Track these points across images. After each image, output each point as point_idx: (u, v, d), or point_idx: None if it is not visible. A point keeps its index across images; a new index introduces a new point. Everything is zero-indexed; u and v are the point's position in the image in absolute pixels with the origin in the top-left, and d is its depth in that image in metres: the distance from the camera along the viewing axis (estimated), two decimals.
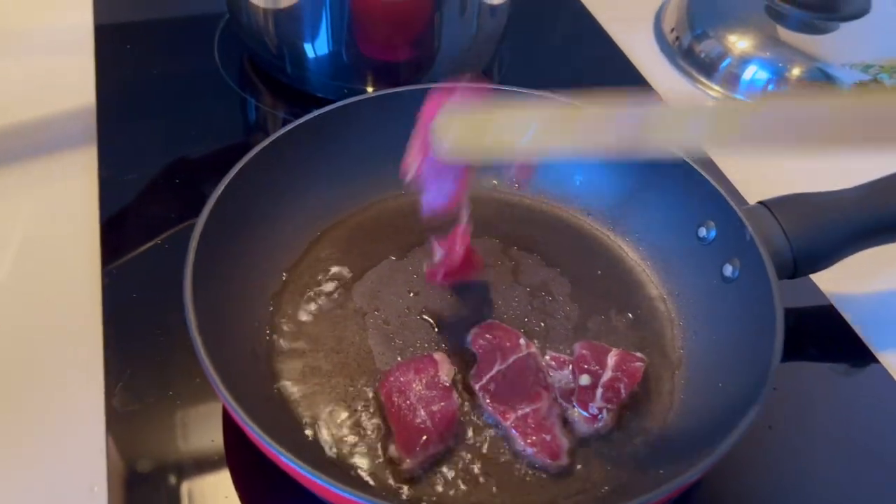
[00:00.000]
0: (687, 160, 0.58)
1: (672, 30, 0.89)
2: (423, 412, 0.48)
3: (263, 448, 0.42)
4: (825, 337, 0.61)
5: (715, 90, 0.84)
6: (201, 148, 0.71)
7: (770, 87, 0.81)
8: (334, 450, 0.49)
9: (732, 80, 0.83)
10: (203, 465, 0.50)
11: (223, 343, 0.49)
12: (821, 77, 0.81)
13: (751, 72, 0.82)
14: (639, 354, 0.54)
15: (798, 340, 0.60)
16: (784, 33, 0.83)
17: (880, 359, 0.59)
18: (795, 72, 0.81)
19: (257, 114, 0.78)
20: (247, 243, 0.56)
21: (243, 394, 0.45)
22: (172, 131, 0.73)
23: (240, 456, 0.51)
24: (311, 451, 0.48)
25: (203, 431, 0.52)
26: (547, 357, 0.54)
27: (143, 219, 0.65)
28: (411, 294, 0.58)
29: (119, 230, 0.64)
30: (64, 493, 0.49)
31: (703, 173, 0.57)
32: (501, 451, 0.50)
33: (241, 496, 0.49)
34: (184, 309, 0.47)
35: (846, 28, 0.83)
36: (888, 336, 0.61)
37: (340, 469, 0.48)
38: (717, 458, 0.42)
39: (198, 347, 0.45)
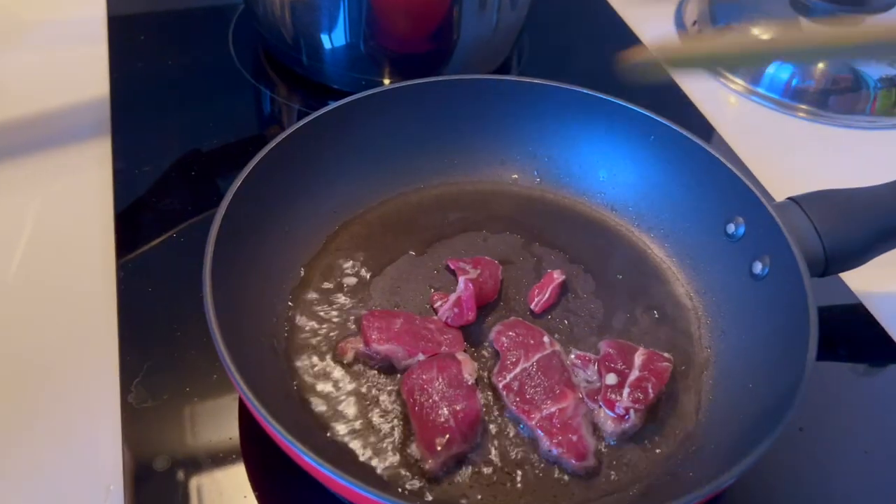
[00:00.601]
0: (715, 154, 0.57)
1: (694, 23, 0.88)
2: (445, 411, 0.47)
3: (286, 447, 0.41)
4: (855, 336, 0.60)
5: (738, 84, 0.82)
6: (216, 140, 0.70)
7: (794, 81, 0.80)
8: (354, 448, 0.48)
9: (755, 74, 0.82)
10: (220, 462, 0.49)
11: (242, 339, 0.48)
12: (846, 71, 0.79)
13: (774, 65, 0.81)
14: (666, 355, 0.52)
15: (827, 340, 0.58)
16: (809, 26, 0.82)
17: None
18: (820, 66, 0.79)
19: (272, 106, 0.77)
20: (265, 238, 0.55)
21: (263, 391, 0.44)
22: (187, 123, 0.72)
23: (257, 453, 0.49)
24: (331, 450, 0.47)
25: (220, 428, 0.51)
26: (572, 356, 0.53)
27: (157, 211, 0.64)
28: (432, 290, 0.57)
29: (133, 223, 0.63)
30: (80, 493, 0.48)
31: (733, 168, 0.56)
32: (526, 451, 0.49)
33: (259, 495, 0.48)
34: (203, 305, 0.46)
35: (872, 21, 0.81)
36: None
37: (361, 468, 0.47)
38: (751, 464, 0.41)
39: (218, 345, 0.44)
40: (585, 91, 0.62)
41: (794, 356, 0.46)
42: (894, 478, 0.51)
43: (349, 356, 0.52)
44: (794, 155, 0.76)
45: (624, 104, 0.60)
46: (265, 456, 0.48)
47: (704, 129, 0.76)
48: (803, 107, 0.80)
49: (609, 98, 0.61)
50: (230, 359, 0.43)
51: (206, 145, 0.70)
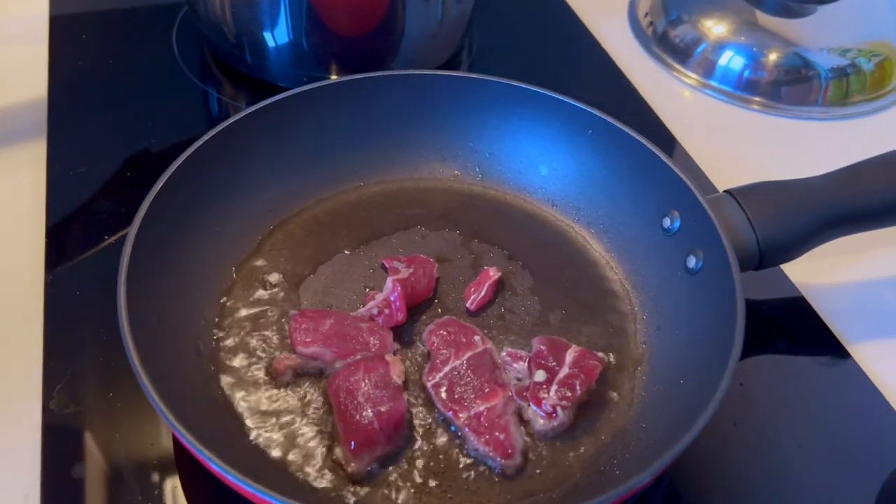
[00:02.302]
0: (651, 147, 0.56)
1: (646, 15, 0.87)
2: (369, 412, 0.46)
3: (192, 452, 0.40)
4: (795, 330, 0.59)
5: (690, 77, 0.82)
6: (159, 142, 0.69)
7: (747, 72, 0.79)
8: (278, 453, 0.47)
9: (708, 67, 0.81)
10: (149, 470, 0.48)
11: (163, 341, 0.47)
12: (798, 62, 0.79)
13: (727, 57, 0.80)
14: (599, 354, 0.52)
15: (767, 333, 0.58)
16: (761, 17, 0.81)
17: (851, 352, 0.57)
18: (772, 57, 0.79)
19: (218, 106, 0.76)
20: (193, 237, 0.54)
21: (181, 395, 0.44)
22: (128, 125, 0.71)
23: (191, 460, 0.48)
24: (254, 455, 0.46)
25: (149, 435, 0.50)
26: (503, 353, 0.52)
27: (92, 215, 0.62)
28: (367, 289, 0.56)
29: (67, 227, 0.61)
30: None
31: (668, 161, 0.55)
32: (454, 451, 0.48)
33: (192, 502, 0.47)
34: (116, 305, 0.45)
35: (824, 11, 0.81)
36: (860, 329, 0.59)
37: (283, 473, 0.46)
38: (668, 462, 0.40)
39: (127, 342, 0.43)
40: (524, 86, 0.61)
41: (723, 352, 0.46)
42: (826, 472, 0.51)
43: (287, 376, 0.50)
44: (746, 148, 0.75)
45: (561, 98, 0.60)
46: (200, 464, 0.47)
47: (655, 125, 0.75)
48: (756, 99, 0.79)
49: (547, 92, 0.60)
50: (139, 360, 0.42)
51: (149, 147, 0.68)
